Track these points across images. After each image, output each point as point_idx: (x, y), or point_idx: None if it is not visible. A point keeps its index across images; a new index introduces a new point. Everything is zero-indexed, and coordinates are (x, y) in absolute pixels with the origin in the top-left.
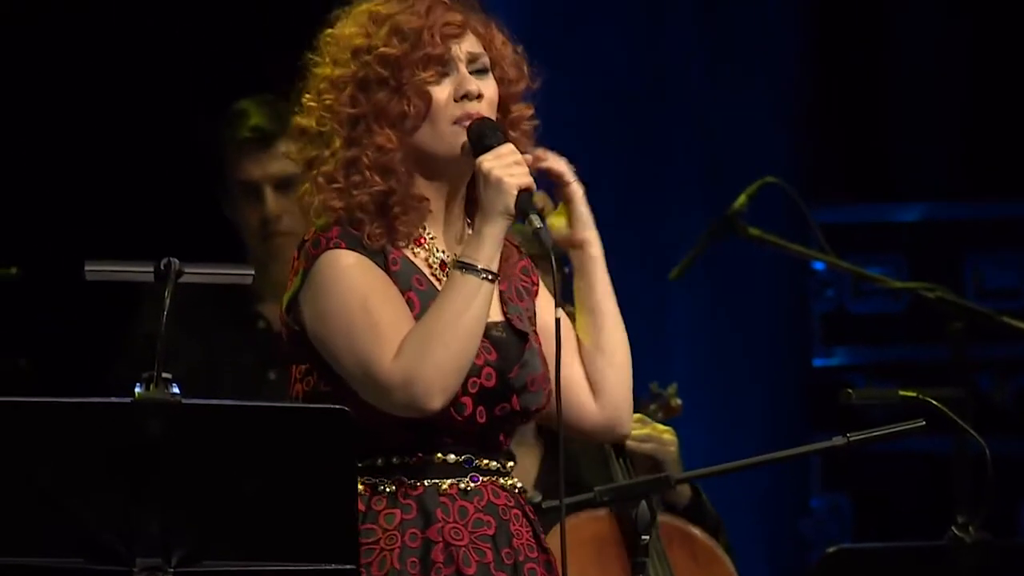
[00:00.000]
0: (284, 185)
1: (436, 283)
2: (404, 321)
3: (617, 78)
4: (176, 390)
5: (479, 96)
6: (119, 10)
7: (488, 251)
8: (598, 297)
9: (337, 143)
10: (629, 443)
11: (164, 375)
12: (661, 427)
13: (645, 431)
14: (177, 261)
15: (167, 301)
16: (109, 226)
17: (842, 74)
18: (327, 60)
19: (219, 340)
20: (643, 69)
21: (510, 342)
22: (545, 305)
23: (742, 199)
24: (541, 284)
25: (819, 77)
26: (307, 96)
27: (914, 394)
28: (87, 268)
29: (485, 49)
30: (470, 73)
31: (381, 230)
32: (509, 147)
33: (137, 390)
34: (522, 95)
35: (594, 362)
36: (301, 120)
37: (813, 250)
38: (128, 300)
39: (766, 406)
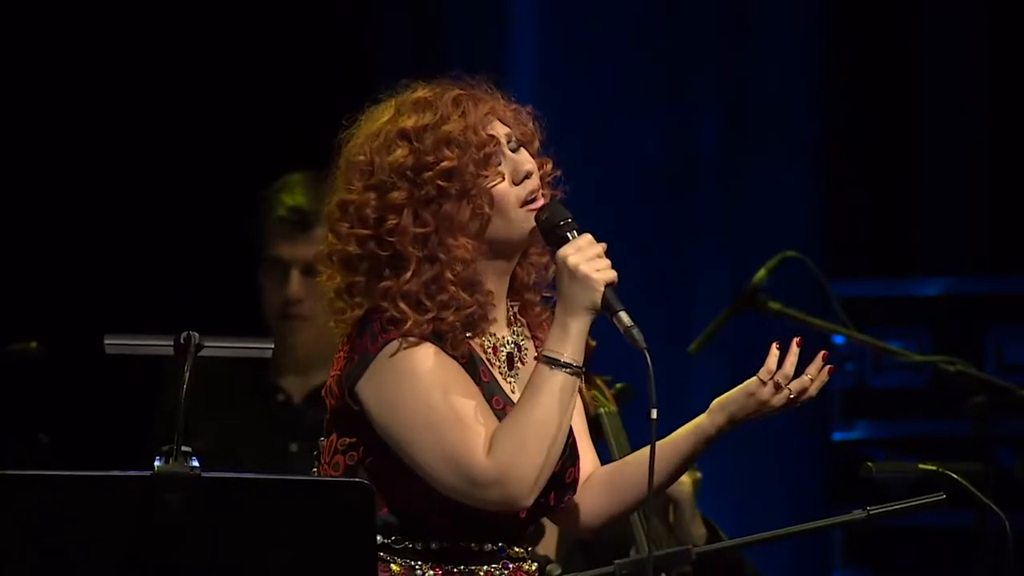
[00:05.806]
0: (312, 270)
1: (492, 370)
2: (487, 415)
3: (644, 158)
4: (196, 463)
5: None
6: (143, 81)
7: (574, 346)
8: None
9: (413, 265)
10: None
11: (184, 448)
12: None
13: None
14: (197, 335)
15: (187, 374)
16: (130, 301)
17: (863, 148)
18: (358, 185)
19: (239, 413)
20: (669, 148)
21: None
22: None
23: (762, 273)
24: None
25: (840, 151)
26: (344, 225)
27: (934, 468)
28: (107, 342)
29: (502, 121)
30: (511, 152)
31: (462, 337)
32: (588, 238)
33: (156, 463)
34: (539, 150)
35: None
36: (337, 245)
37: (833, 324)
38: (150, 374)
39: (786, 480)
